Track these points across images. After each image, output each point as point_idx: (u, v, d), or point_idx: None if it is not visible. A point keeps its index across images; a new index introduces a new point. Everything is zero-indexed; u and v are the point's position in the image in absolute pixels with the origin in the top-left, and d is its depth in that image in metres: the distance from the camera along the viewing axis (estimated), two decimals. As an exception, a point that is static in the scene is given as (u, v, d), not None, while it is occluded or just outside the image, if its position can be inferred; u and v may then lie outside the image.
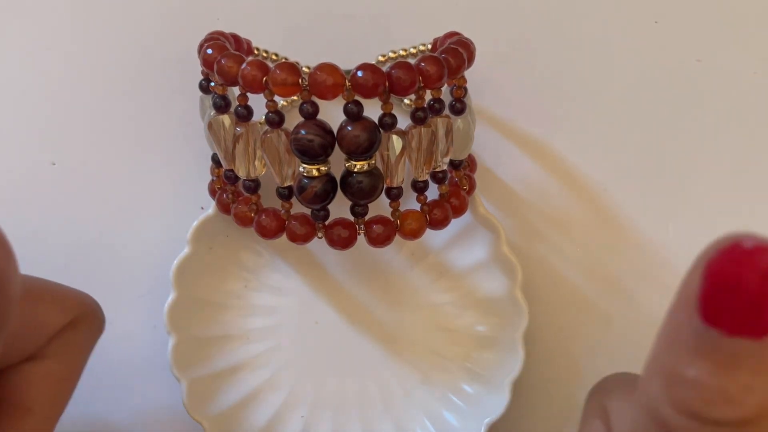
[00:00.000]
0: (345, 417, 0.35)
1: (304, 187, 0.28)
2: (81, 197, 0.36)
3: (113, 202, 0.36)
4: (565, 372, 0.36)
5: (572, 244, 0.36)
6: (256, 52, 0.34)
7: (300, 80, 0.27)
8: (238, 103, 0.28)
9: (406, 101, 0.35)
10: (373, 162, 0.28)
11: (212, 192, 0.33)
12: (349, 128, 0.27)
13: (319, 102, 0.27)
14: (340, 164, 0.28)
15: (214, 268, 0.35)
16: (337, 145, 0.28)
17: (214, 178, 0.33)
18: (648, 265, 0.36)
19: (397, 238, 0.30)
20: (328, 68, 0.26)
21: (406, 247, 0.36)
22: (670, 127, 0.36)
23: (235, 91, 0.28)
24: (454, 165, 0.32)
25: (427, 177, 0.30)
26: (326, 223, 0.30)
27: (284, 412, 0.35)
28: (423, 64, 0.27)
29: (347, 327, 0.36)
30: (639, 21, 0.36)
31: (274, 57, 0.35)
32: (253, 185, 0.30)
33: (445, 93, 0.31)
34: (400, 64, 0.27)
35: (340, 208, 0.30)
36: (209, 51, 0.29)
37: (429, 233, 0.32)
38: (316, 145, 0.27)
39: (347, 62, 0.30)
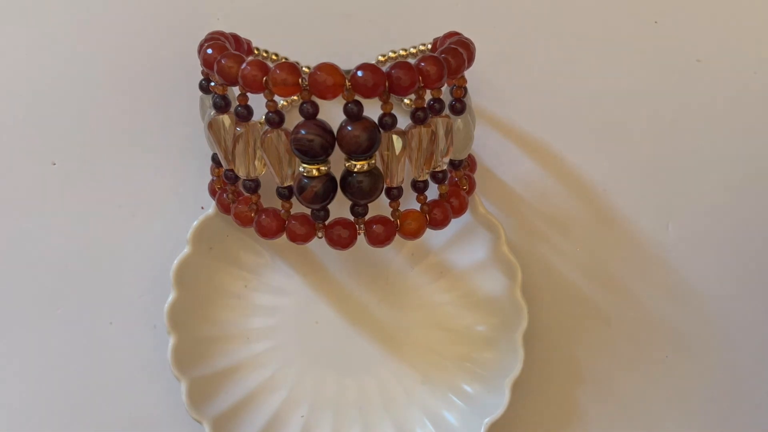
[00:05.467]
0: (345, 417, 0.35)
1: (304, 187, 0.28)
2: (81, 197, 0.36)
3: (113, 202, 0.36)
4: (565, 372, 0.36)
5: (572, 244, 0.36)
6: (256, 52, 0.34)
7: (300, 80, 0.27)
8: (238, 103, 0.28)
9: (406, 101, 0.35)
10: (373, 162, 0.28)
11: (212, 192, 0.33)
12: (349, 128, 0.27)
13: (319, 102, 0.27)
14: (340, 164, 0.28)
15: (214, 268, 0.35)
16: (337, 145, 0.28)
17: (214, 178, 0.33)
18: (648, 265, 0.36)
19: (397, 238, 0.30)
20: (328, 68, 0.26)
21: (406, 247, 0.36)
22: (670, 127, 0.36)
23: (235, 91, 0.28)
24: (454, 165, 0.32)
25: (427, 177, 0.30)
26: (326, 223, 0.30)
27: (284, 412, 0.35)
28: (423, 64, 0.27)
29: (347, 327, 0.36)
30: (639, 21, 0.36)
31: (274, 57, 0.35)
32: (253, 185, 0.30)
33: (445, 93, 0.31)
34: (400, 64, 0.27)
35: (340, 208, 0.30)
36: (209, 51, 0.29)
37: (429, 233, 0.32)
38: (316, 145, 0.27)
39: (347, 62, 0.30)
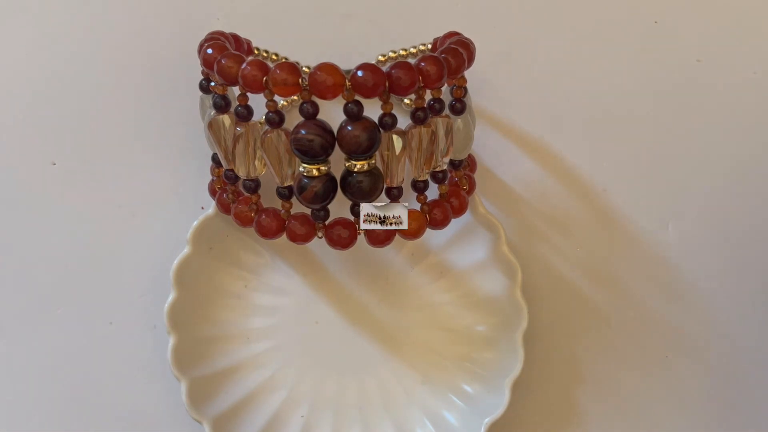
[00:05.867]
0: (345, 417, 0.35)
1: (304, 187, 0.28)
2: (81, 197, 0.36)
3: (113, 202, 0.36)
4: (565, 372, 0.36)
5: (572, 244, 0.36)
6: (256, 52, 0.34)
7: (300, 80, 0.27)
8: (238, 103, 0.28)
9: (406, 101, 0.35)
10: (373, 162, 0.28)
11: (212, 192, 0.33)
12: (349, 128, 0.27)
13: (319, 102, 0.27)
14: (340, 164, 0.28)
15: (214, 268, 0.35)
16: (337, 145, 0.28)
17: (214, 178, 0.33)
18: (648, 265, 0.36)
19: (397, 238, 0.30)
20: (328, 68, 0.26)
21: (406, 247, 0.36)
22: (670, 127, 0.36)
23: (235, 91, 0.28)
24: (454, 165, 0.32)
25: (427, 177, 0.30)
26: (326, 223, 0.30)
27: (284, 412, 0.35)
28: (423, 64, 0.27)
29: (347, 327, 0.36)
30: (639, 21, 0.36)
31: (274, 57, 0.35)
32: (253, 185, 0.30)
33: (445, 93, 0.31)
34: (400, 64, 0.27)
35: (340, 208, 0.30)
36: (209, 51, 0.29)
37: (429, 233, 0.32)
38: (316, 145, 0.27)
39: (347, 62, 0.30)
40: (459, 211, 0.32)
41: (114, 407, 0.36)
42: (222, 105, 0.29)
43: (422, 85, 0.27)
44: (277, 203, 0.30)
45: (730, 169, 0.36)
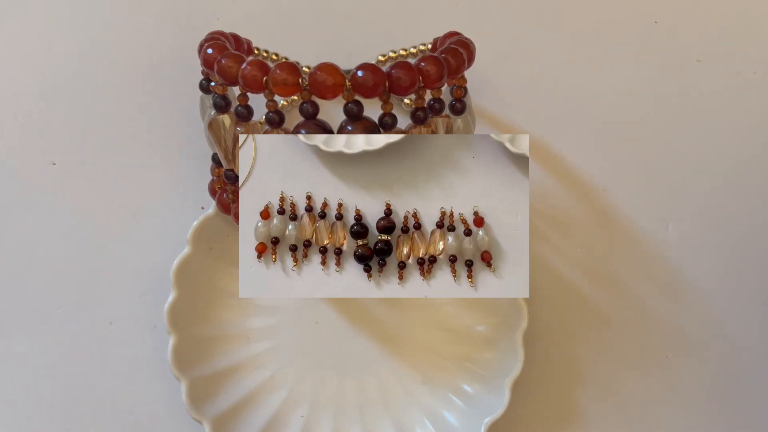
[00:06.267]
0: (345, 417, 0.35)
1: (304, 187, 0.28)
2: (81, 197, 0.36)
3: (113, 202, 0.36)
4: (565, 372, 0.36)
5: (572, 244, 0.36)
6: (256, 52, 0.34)
7: (300, 80, 0.27)
8: (238, 103, 0.28)
9: (406, 101, 0.35)
10: (373, 162, 0.28)
11: (212, 192, 0.33)
12: (349, 128, 0.27)
13: (319, 102, 0.27)
14: (340, 164, 0.28)
15: (214, 268, 0.35)
16: (337, 145, 0.28)
17: (214, 178, 0.33)
18: (648, 265, 0.36)
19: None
20: (328, 68, 0.26)
21: (406, 247, 0.36)
22: (670, 127, 0.36)
23: (235, 91, 0.28)
24: (454, 165, 0.32)
25: (427, 177, 0.30)
26: (326, 223, 0.30)
27: (284, 412, 0.35)
28: (423, 64, 0.27)
29: (347, 327, 0.36)
30: (639, 21, 0.36)
31: (274, 57, 0.35)
32: (253, 185, 0.30)
33: (445, 93, 0.31)
34: (400, 64, 0.27)
35: (340, 208, 0.30)
36: (209, 51, 0.29)
37: (429, 233, 0.32)
38: (316, 145, 0.27)
39: (347, 62, 0.30)
40: (459, 211, 0.31)
41: (114, 407, 0.36)
42: (222, 105, 0.29)
43: (422, 85, 0.27)
44: (277, 203, 0.30)
45: (730, 169, 0.36)
